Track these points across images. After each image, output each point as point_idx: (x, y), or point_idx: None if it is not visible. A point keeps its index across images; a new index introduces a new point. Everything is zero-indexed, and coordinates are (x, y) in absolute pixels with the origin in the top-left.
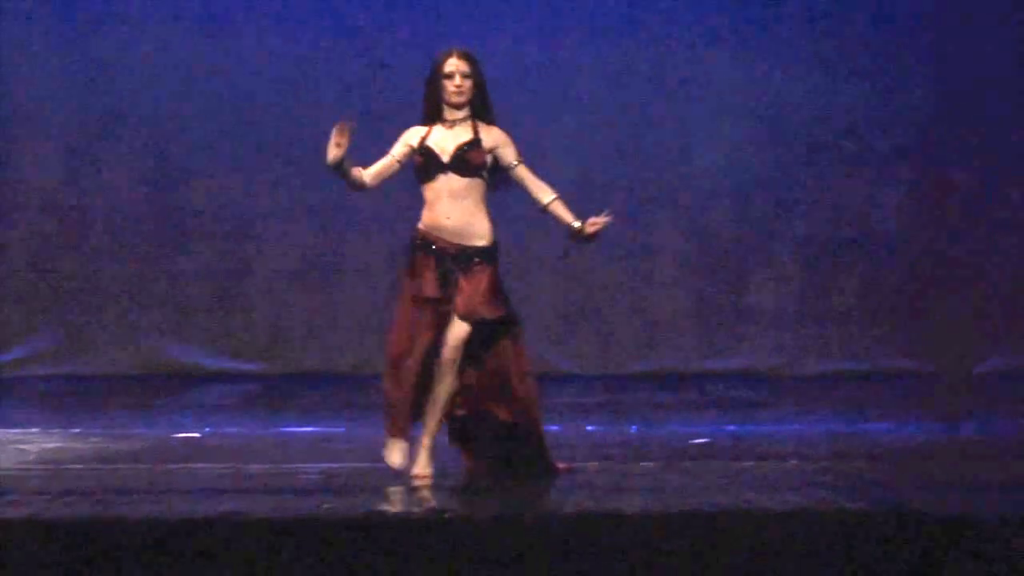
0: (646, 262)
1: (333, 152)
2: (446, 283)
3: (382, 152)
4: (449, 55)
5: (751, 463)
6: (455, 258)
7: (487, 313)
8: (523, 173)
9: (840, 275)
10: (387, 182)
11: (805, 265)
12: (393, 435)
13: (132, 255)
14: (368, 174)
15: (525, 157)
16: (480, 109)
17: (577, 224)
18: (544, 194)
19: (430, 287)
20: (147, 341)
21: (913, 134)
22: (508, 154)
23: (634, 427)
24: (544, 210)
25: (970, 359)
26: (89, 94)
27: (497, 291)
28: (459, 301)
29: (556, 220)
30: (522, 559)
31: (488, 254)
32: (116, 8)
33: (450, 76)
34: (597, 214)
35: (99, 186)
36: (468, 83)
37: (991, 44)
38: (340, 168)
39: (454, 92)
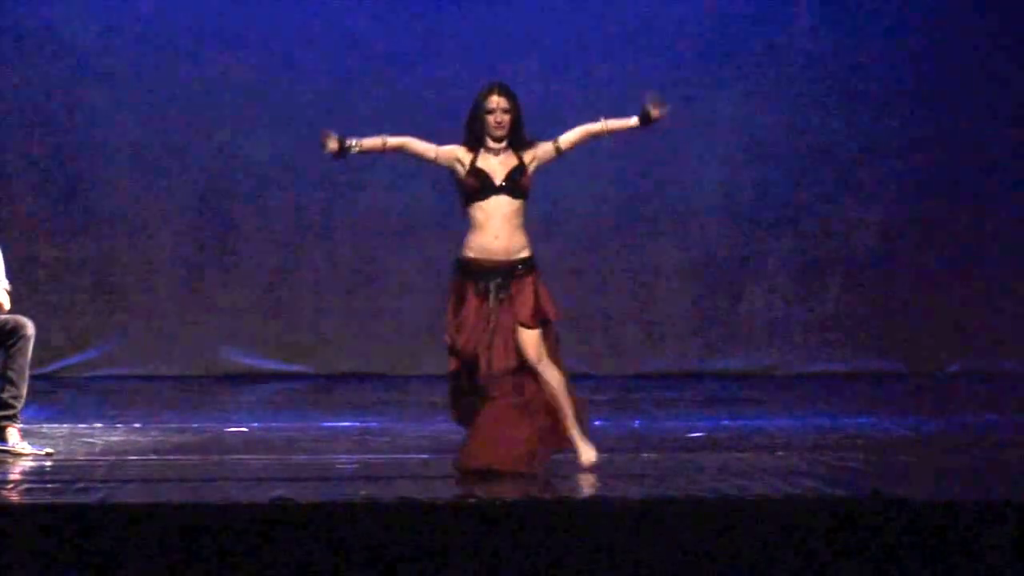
0: (651, 274)
1: (329, 147)
2: (486, 303)
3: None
4: (491, 92)
5: (743, 454)
6: (499, 273)
7: (549, 313)
8: (566, 138)
9: (824, 286)
10: (419, 197)
11: (793, 277)
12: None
13: (187, 267)
14: (393, 139)
15: (537, 184)
16: (517, 137)
17: (635, 120)
18: (592, 127)
19: (470, 317)
20: (201, 345)
21: (889, 161)
22: (547, 148)
23: (638, 422)
24: (604, 133)
25: (942, 360)
26: (150, 123)
27: (547, 292)
28: (520, 312)
29: (619, 130)
30: (538, 539)
31: (529, 262)
32: (169, 45)
33: (491, 112)
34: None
35: (158, 205)
36: (507, 117)
37: (968, 79)
38: (345, 151)
39: (495, 126)
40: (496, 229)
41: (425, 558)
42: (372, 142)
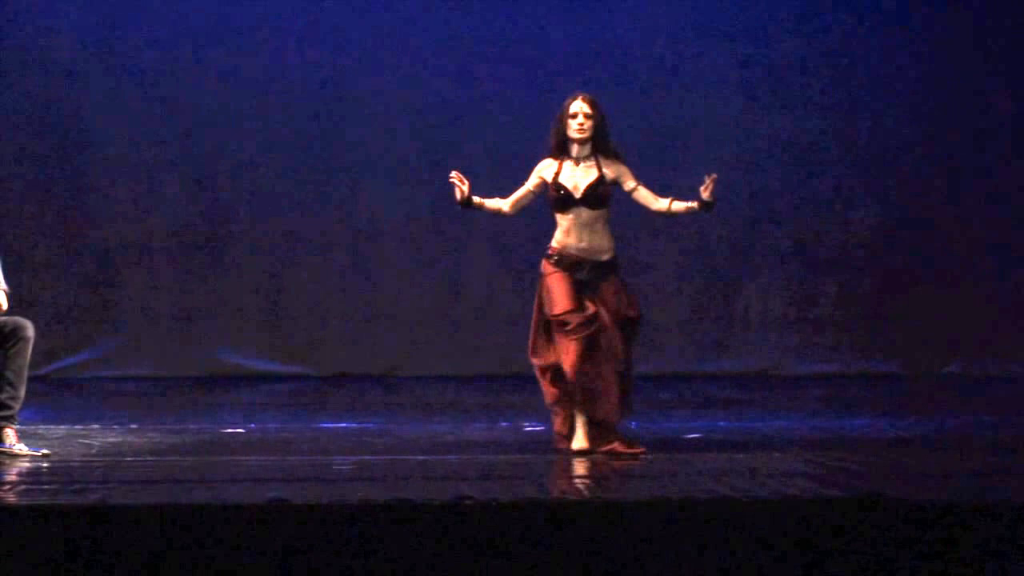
0: (648, 276)
1: (458, 195)
2: (579, 293)
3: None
4: (575, 98)
5: (740, 455)
6: (586, 269)
7: (631, 313)
8: (641, 194)
9: (820, 286)
10: (416, 198)
11: (789, 278)
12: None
13: (186, 268)
14: (507, 203)
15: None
16: (601, 143)
17: (696, 203)
18: (662, 202)
19: (564, 301)
20: (198, 345)
21: (886, 162)
22: (627, 181)
23: (635, 423)
24: (669, 213)
25: (937, 361)
26: (147, 126)
27: (629, 292)
28: (605, 312)
29: (683, 213)
30: (535, 540)
31: (613, 265)
32: (167, 47)
33: (574, 116)
34: (703, 183)
35: (155, 207)
36: (590, 123)
37: (966, 80)
38: (470, 205)
39: (577, 130)
40: (579, 234)
41: (422, 559)
42: (493, 204)
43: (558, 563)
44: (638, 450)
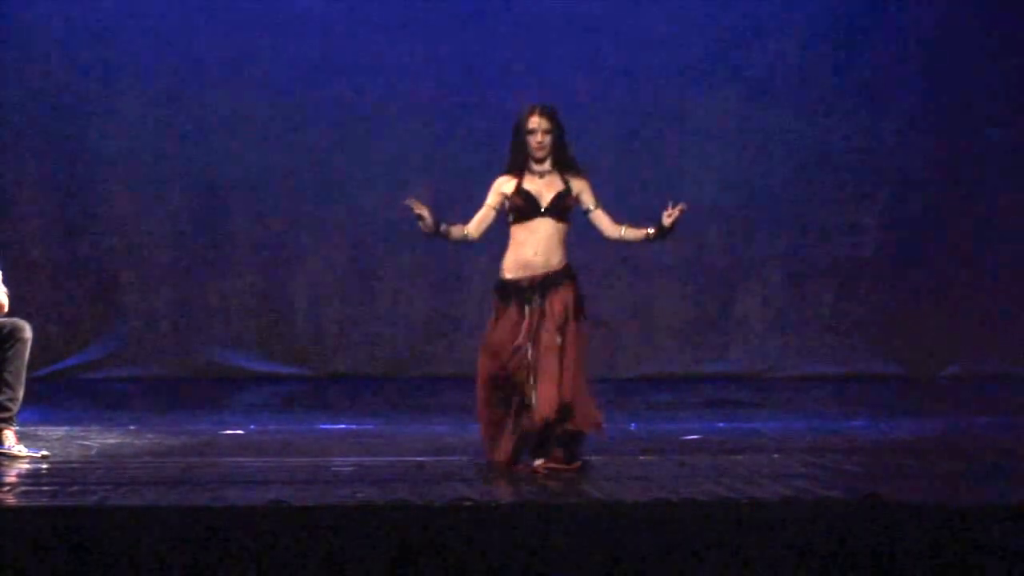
0: (647, 278)
1: (423, 226)
2: (530, 315)
3: (406, 173)
4: (532, 113)
5: (739, 457)
6: (536, 288)
7: (576, 322)
8: (599, 217)
9: (819, 288)
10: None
11: (788, 280)
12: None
13: (184, 270)
14: (470, 228)
15: None
16: (561, 157)
17: (652, 230)
18: (615, 228)
19: (516, 333)
20: (198, 347)
21: (885, 163)
22: (588, 199)
23: (634, 424)
24: (621, 240)
25: (937, 363)
26: (147, 127)
27: (580, 302)
28: (549, 321)
29: (635, 240)
30: (534, 541)
31: (567, 271)
32: (166, 50)
33: (532, 132)
34: (666, 208)
35: (155, 208)
36: (549, 138)
37: (964, 83)
38: (438, 234)
39: (537, 147)
40: (535, 246)
41: (422, 561)
42: (458, 232)
43: (557, 564)
44: (575, 466)
